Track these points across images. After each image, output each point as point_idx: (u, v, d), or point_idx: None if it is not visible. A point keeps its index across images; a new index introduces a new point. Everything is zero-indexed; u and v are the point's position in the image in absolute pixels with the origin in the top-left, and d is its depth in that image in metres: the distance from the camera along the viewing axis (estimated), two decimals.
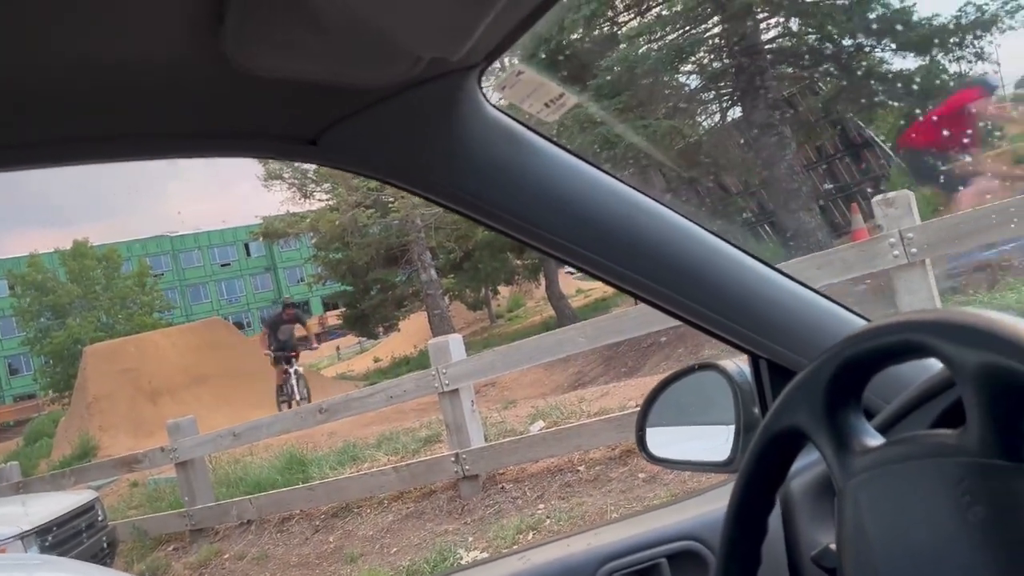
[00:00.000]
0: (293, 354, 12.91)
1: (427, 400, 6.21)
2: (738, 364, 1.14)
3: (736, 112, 12.01)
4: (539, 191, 0.81)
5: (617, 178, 0.88)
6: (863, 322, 0.99)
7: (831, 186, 13.70)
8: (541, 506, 4.77)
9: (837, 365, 0.64)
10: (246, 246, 52.48)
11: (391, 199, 17.35)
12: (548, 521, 4.50)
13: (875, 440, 0.65)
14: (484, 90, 0.76)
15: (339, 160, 0.79)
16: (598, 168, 0.85)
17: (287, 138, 0.76)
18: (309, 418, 6.21)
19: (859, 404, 0.66)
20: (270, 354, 12.95)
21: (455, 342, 5.35)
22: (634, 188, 0.90)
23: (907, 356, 0.61)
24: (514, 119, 0.79)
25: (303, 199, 19.07)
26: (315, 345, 15.36)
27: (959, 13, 10.49)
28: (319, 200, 19.22)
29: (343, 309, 24.01)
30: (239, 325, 41.39)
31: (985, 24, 10.31)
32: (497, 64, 0.75)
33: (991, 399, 0.52)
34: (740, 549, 0.73)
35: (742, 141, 11.89)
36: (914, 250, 4.09)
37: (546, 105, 0.83)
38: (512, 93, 0.83)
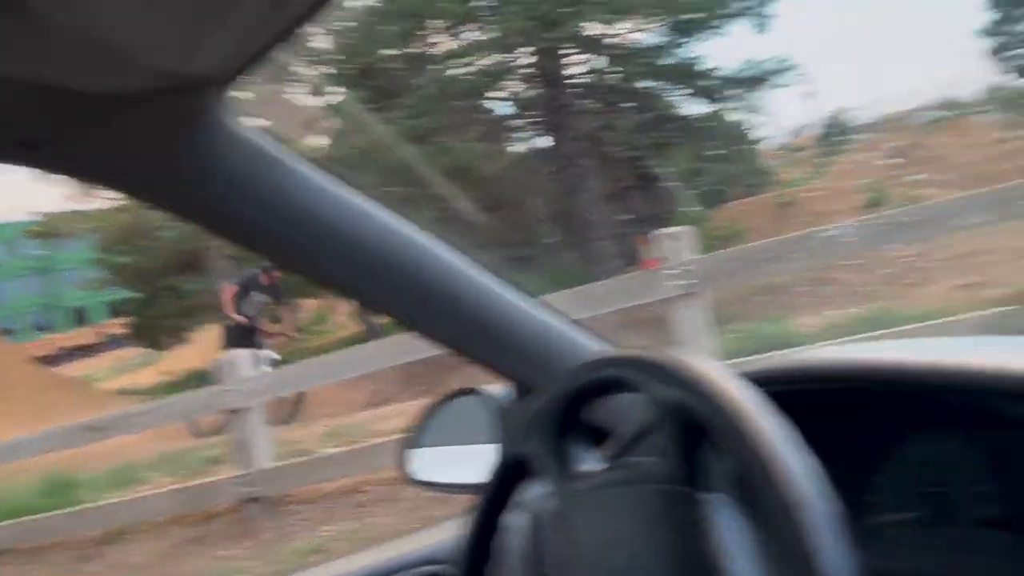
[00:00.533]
0: (260, 331, 10.28)
1: (218, 416, 5.88)
2: (505, 389, 1.18)
3: (542, 142, 12.51)
4: (287, 212, 0.79)
5: (380, 206, 0.89)
6: (609, 349, 1.06)
7: (626, 218, 14.59)
8: (331, 527, 4.66)
9: (559, 397, 0.68)
10: (18, 243, 47.23)
11: None
12: (337, 543, 4.40)
13: (595, 466, 0.70)
14: (232, 107, 0.73)
15: (68, 168, 0.74)
16: (355, 194, 0.85)
17: (3, 140, 0.70)
18: (78, 436, 5.67)
19: (581, 432, 0.71)
20: (232, 321, 10.18)
21: (244, 357, 5.12)
22: (399, 217, 0.90)
23: (617, 390, 0.66)
24: (268, 139, 0.78)
25: (87, 196, 17.52)
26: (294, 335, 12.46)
27: (742, 68, 11.62)
28: (105, 198, 17.74)
29: (129, 317, 22.23)
30: (4, 331, 37.10)
31: (758, 80, 11.47)
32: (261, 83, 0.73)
33: (677, 432, 0.58)
34: (472, 572, 0.75)
35: (546, 170, 12.39)
36: (693, 281, 4.43)
37: (304, 124, 0.82)
38: (270, 112, 0.81)
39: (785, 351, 4.31)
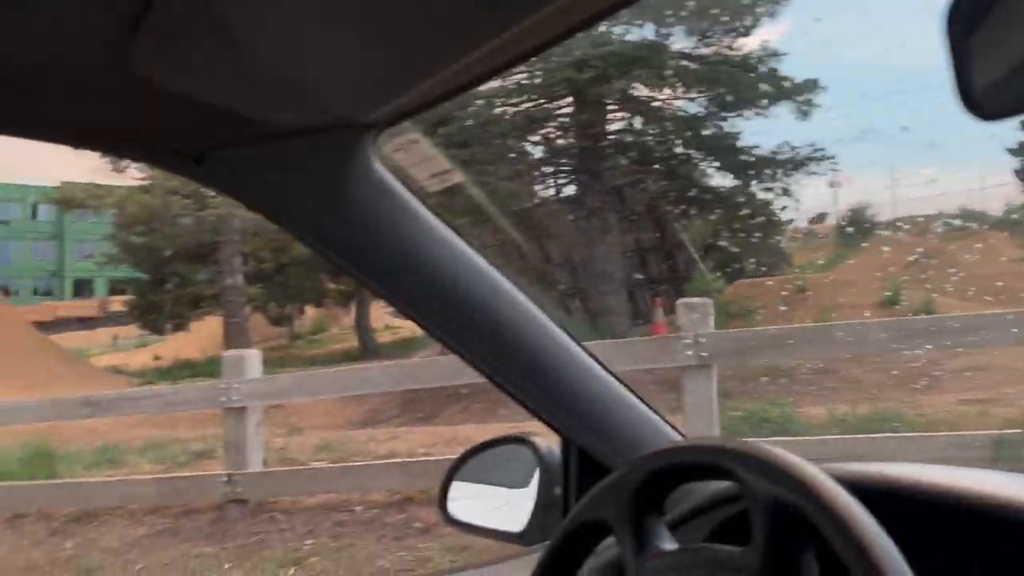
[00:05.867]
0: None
1: (207, 411, 5.87)
2: (550, 443, 1.20)
3: (570, 190, 12.63)
4: (405, 256, 0.84)
5: (478, 253, 0.93)
6: (672, 432, 1.08)
7: (641, 277, 14.65)
8: (310, 542, 4.62)
9: (649, 472, 0.70)
10: (34, 207, 47.46)
11: (212, 193, 16.49)
12: (314, 559, 4.36)
13: (670, 545, 0.71)
14: (378, 149, 0.78)
15: (220, 184, 0.78)
16: (462, 242, 0.90)
17: (173, 151, 0.74)
18: (72, 410, 5.67)
19: (661, 510, 0.73)
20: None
21: (253, 358, 5.12)
22: (492, 266, 0.94)
23: (712, 476, 0.68)
24: (401, 183, 0.82)
25: (115, 172, 17.67)
26: None
27: (776, 150, 11.75)
28: (132, 177, 17.90)
29: (131, 296, 22.26)
30: (4, 291, 37.16)
31: (795, 164, 11.59)
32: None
33: (775, 528, 0.60)
34: None
35: (570, 217, 12.49)
36: (704, 353, 4.45)
37: (432, 176, 0.86)
38: (404, 158, 0.86)
39: (802, 449, 4.31)
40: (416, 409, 9.41)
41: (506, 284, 0.94)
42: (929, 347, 4.77)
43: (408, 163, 0.87)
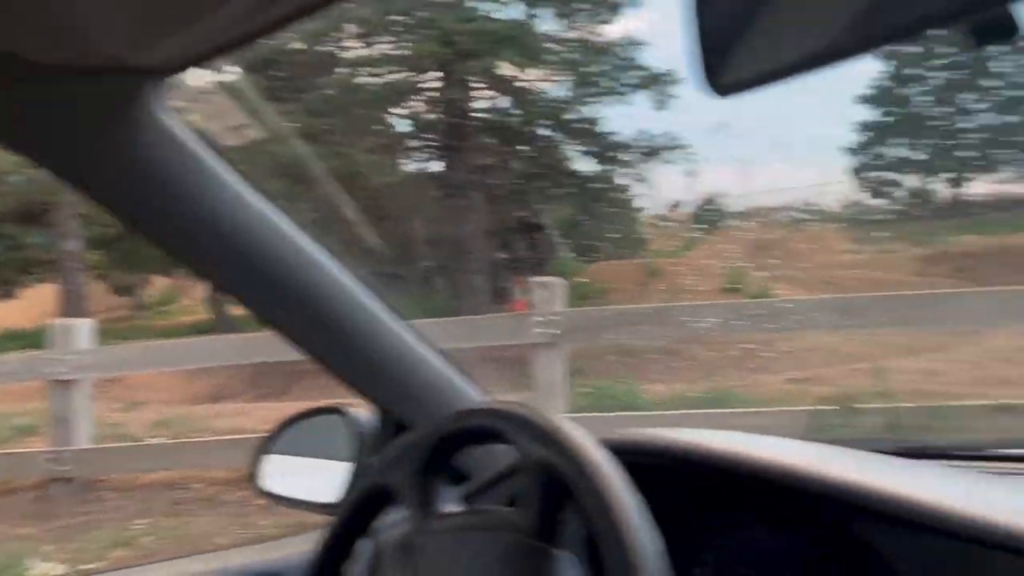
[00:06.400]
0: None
1: (34, 384, 5.46)
2: (369, 413, 1.19)
3: (436, 166, 12.57)
4: (197, 214, 0.80)
5: (281, 212, 0.89)
6: (478, 398, 1.10)
7: (505, 256, 14.81)
8: (143, 521, 4.40)
9: (432, 437, 0.71)
10: None
11: None
12: (148, 538, 4.16)
13: (455, 507, 0.73)
14: (167, 100, 0.73)
15: None
16: (261, 199, 0.86)
17: None
18: None
19: (446, 473, 0.74)
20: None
21: (83, 327, 4.80)
22: (296, 225, 0.91)
23: (489, 440, 0.70)
24: (195, 137, 0.78)
25: None
26: None
27: (636, 137, 12.14)
28: None
29: None
30: None
31: (653, 152, 12.03)
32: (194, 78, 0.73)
33: (540, 489, 0.62)
34: None
35: (436, 193, 12.44)
36: (555, 331, 4.57)
37: (230, 129, 0.82)
38: (198, 109, 0.81)
39: (642, 424, 4.50)
40: (265, 385, 9.12)
41: (318, 252, 0.91)
42: (763, 328, 5.10)
43: (203, 116, 0.83)
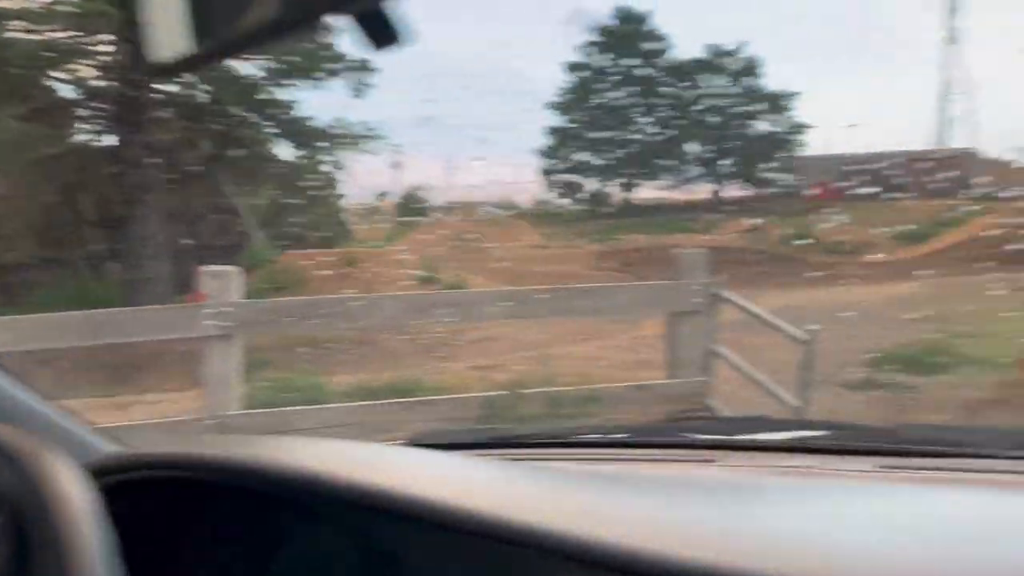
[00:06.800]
0: None
1: None
2: None
3: (109, 139, 11.31)
4: None
5: None
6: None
7: (191, 243, 13.77)
8: None
9: None
10: None
11: None
12: None
13: None
14: None
15: None
16: None
17: None
18: None
19: None
20: None
21: None
22: None
23: None
24: None
25: None
26: None
27: (333, 124, 11.93)
28: None
29: None
30: None
31: (352, 140, 11.91)
32: None
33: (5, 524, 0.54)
34: None
35: (107, 171, 11.20)
36: (228, 323, 4.31)
37: None
38: None
39: (322, 416, 4.39)
40: None
41: None
42: (449, 317, 5.26)
43: None
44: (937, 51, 37.14)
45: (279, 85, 11.46)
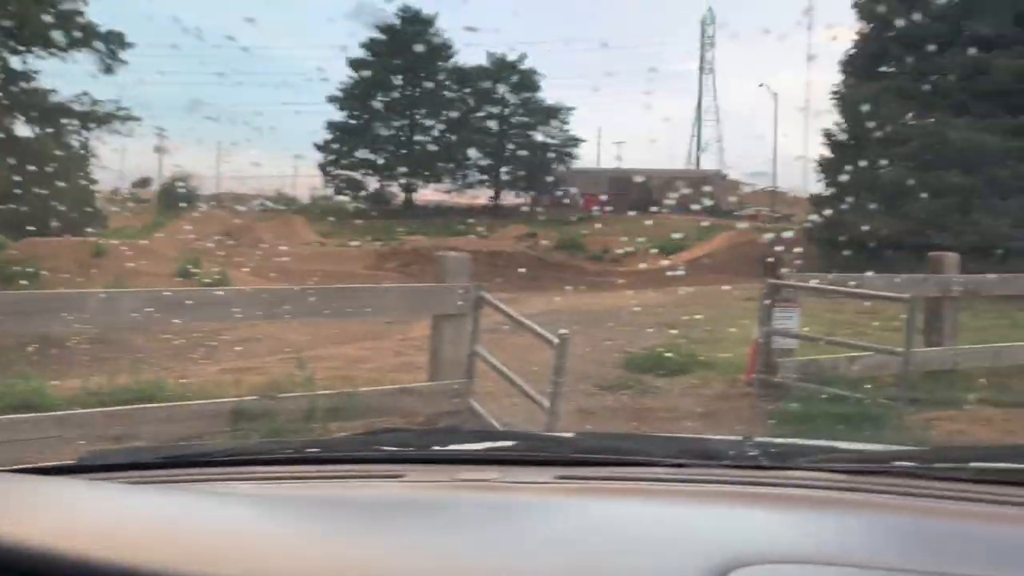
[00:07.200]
0: None
1: None
2: None
3: None
4: None
5: None
6: None
7: None
8: None
9: None
10: None
11: None
12: None
13: None
14: None
15: None
16: None
17: None
18: None
19: None
20: None
21: None
22: None
23: None
24: None
25: None
26: None
27: (76, 99, 10.76)
28: None
29: None
30: None
31: (99, 119, 10.81)
32: None
33: None
34: None
35: None
36: None
37: None
38: None
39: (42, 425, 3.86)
40: None
41: None
42: (207, 316, 4.88)
43: None
44: (693, 80, 40.89)
45: (13, 52, 10.11)
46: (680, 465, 0.98)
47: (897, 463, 0.97)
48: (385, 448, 1.12)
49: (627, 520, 0.80)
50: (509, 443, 1.11)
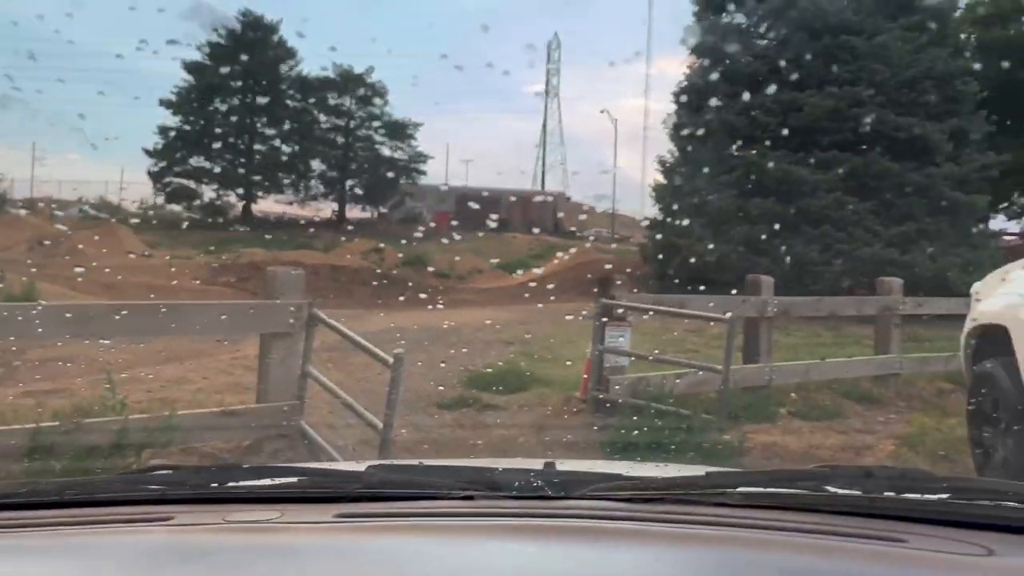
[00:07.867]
0: None
1: None
2: None
3: None
4: None
5: None
6: None
7: None
8: None
9: None
10: None
11: None
12: None
13: None
14: None
15: None
16: None
17: None
18: None
19: None
20: None
21: None
22: None
23: None
24: None
25: None
26: None
27: None
28: None
29: None
30: None
31: None
32: None
33: None
34: None
35: None
36: None
37: None
38: None
39: None
40: None
41: None
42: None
43: None
44: (540, 103, 41.97)
45: None
46: (467, 497, 0.96)
47: (671, 491, 0.98)
48: (154, 488, 1.02)
49: (408, 558, 0.79)
50: (290, 479, 1.04)
